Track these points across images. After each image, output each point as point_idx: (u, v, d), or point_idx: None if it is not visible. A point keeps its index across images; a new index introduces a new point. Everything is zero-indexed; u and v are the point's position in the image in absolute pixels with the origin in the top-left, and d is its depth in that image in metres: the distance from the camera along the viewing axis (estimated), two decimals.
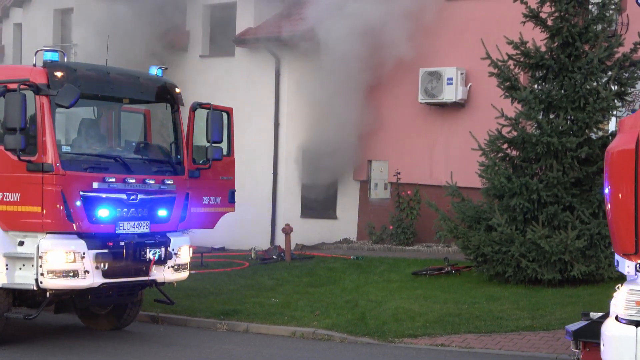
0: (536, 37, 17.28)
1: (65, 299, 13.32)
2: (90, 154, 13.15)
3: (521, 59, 17.34)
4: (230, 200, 15.34)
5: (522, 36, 17.20)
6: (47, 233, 12.34)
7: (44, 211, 12.29)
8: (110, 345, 13.51)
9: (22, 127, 12.05)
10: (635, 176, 8.05)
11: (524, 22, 17.35)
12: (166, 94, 14.13)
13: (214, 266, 20.62)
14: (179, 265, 13.76)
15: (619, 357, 8.03)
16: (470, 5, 21.92)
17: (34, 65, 12.66)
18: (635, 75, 17.13)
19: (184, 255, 13.89)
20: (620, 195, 8.18)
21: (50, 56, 12.55)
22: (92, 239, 12.62)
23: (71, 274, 12.34)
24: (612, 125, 18.19)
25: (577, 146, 16.61)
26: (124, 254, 12.78)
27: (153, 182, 13.35)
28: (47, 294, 12.58)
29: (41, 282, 12.25)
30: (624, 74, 17.16)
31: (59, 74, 12.42)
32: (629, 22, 19.39)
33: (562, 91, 16.96)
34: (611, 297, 8.61)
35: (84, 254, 12.41)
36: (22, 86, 12.12)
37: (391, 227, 22.45)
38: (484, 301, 15.60)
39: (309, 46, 23.17)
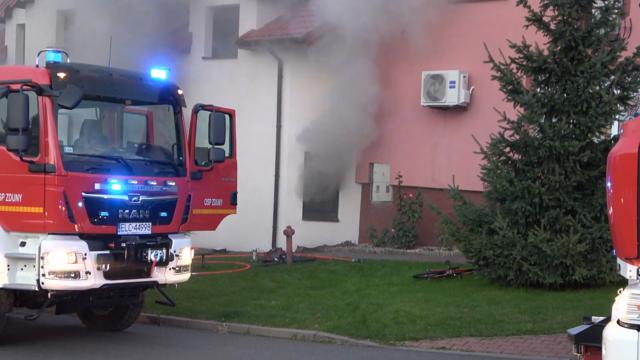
0: (539, 41, 17.27)
1: (67, 300, 13.30)
2: (93, 155, 13.16)
3: (524, 63, 17.32)
4: (232, 202, 15.34)
5: (524, 40, 17.20)
6: (49, 234, 12.34)
7: (46, 212, 12.30)
8: (111, 346, 13.51)
9: (25, 127, 12.05)
10: (637, 180, 8.04)
11: (527, 26, 17.34)
12: (169, 96, 14.13)
13: (215, 268, 20.62)
14: (180, 266, 13.76)
15: None
16: (473, 8, 21.94)
17: (37, 66, 12.68)
18: (638, 79, 17.12)
19: (186, 256, 13.88)
20: (622, 200, 8.17)
21: (53, 57, 12.57)
22: (94, 240, 12.61)
23: (72, 275, 12.34)
24: (614, 130, 18.19)
25: (580, 150, 16.60)
26: (125, 256, 12.78)
27: (155, 183, 13.35)
28: (49, 294, 12.58)
29: (42, 283, 12.25)
30: (627, 78, 17.14)
31: (61, 75, 12.43)
32: (632, 26, 19.40)
33: (565, 95, 16.95)
34: (613, 301, 8.60)
35: (85, 255, 12.41)
36: (24, 87, 12.13)
37: (393, 230, 22.45)
38: (485, 304, 15.59)
39: (312, 48, 23.19)
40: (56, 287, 12.35)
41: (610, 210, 8.41)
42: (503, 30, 19.12)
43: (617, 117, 17.31)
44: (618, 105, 17.05)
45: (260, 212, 24.38)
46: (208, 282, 18.47)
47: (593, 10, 17.34)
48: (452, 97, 21.59)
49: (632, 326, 8.12)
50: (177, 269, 13.68)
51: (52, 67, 12.49)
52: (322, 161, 23.17)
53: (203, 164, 14.54)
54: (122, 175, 12.96)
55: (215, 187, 14.92)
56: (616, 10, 17.37)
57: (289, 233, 21.36)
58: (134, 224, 13.05)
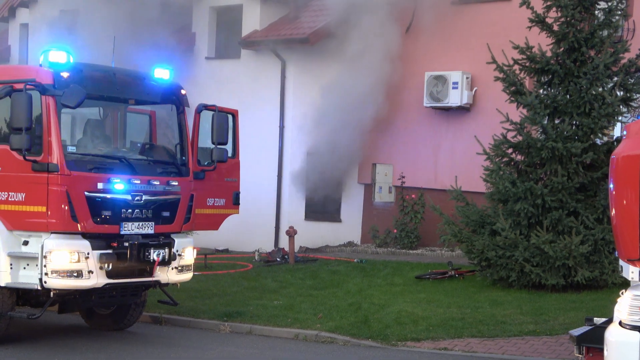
0: (542, 42, 17.28)
1: (69, 299, 13.32)
2: (96, 155, 13.17)
3: (527, 64, 17.33)
4: (235, 202, 15.36)
5: (528, 41, 17.20)
6: (52, 233, 12.36)
7: (49, 211, 12.31)
8: (113, 345, 13.52)
9: (28, 127, 12.06)
10: None
11: (530, 27, 17.34)
12: (172, 96, 14.14)
13: (217, 268, 20.63)
14: (182, 266, 13.77)
15: None
16: (476, 9, 21.94)
17: (40, 65, 12.67)
18: None
19: (188, 256, 13.90)
20: (625, 201, 8.17)
21: (56, 57, 12.57)
22: (97, 239, 12.63)
23: (75, 274, 12.35)
24: (617, 131, 18.18)
25: (582, 151, 16.60)
26: (128, 255, 12.79)
27: (158, 183, 13.36)
28: (51, 293, 12.60)
29: (45, 282, 12.26)
30: (630, 79, 17.15)
31: (65, 74, 12.45)
32: (635, 28, 19.41)
33: (568, 96, 16.95)
34: (615, 302, 8.60)
35: (88, 254, 12.42)
36: (28, 86, 12.13)
37: (395, 231, 22.46)
38: (487, 305, 15.59)
39: (315, 49, 23.20)
40: (59, 286, 12.37)
41: (613, 212, 8.42)
42: (506, 32, 19.13)
43: (619, 118, 17.29)
44: (621, 106, 17.04)
45: (263, 212, 24.39)
46: (210, 282, 18.48)
47: (596, 12, 17.34)
48: (455, 98, 21.59)
49: (634, 327, 8.12)
50: (179, 268, 13.70)
51: (56, 66, 12.50)
52: (325, 161, 23.17)
53: (206, 163, 14.56)
54: (125, 174, 12.97)
55: (218, 187, 14.94)
56: (619, 12, 17.36)
57: (291, 233, 21.36)
58: (136, 224, 13.06)
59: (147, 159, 13.90)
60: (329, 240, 23.97)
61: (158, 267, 13.30)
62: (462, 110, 21.96)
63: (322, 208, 24.46)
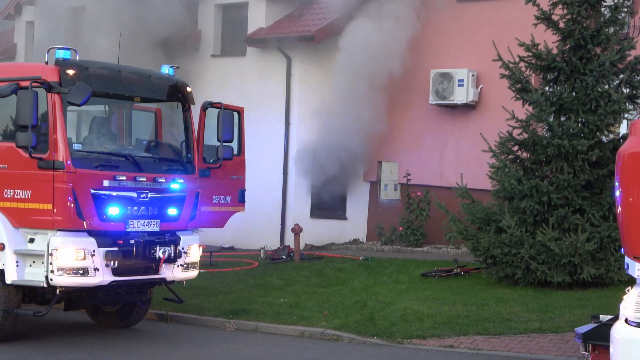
0: (548, 40, 17.25)
1: (75, 297, 13.33)
2: (101, 152, 13.19)
3: (532, 61, 17.31)
4: (240, 199, 15.36)
5: (533, 38, 17.18)
6: (58, 230, 12.37)
7: (55, 208, 12.32)
8: (119, 343, 13.54)
9: (34, 124, 12.08)
10: None
11: (536, 24, 17.32)
12: (177, 93, 14.15)
13: (223, 265, 20.64)
14: (188, 264, 13.79)
15: (628, 359, 8.02)
16: (482, 6, 21.91)
17: (46, 63, 12.70)
18: None
19: (194, 254, 13.91)
20: (631, 198, 8.15)
21: (62, 54, 12.59)
22: (102, 236, 12.65)
23: (81, 272, 12.37)
24: (623, 128, 18.16)
25: (588, 149, 16.57)
26: (133, 252, 12.81)
27: (163, 180, 13.37)
28: (57, 291, 12.61)
29: (51, 279, 12.28)
30: (636, 76, 17.10)
31: (70, 71, 12.46)
32: None
33: (574, 94, 16.93)
34: (621, 300, 8.58)
35: (94, 251, 12.44)
36: (34, 84, 12.15)
37: (401, 228, 22.46)
38: (493, 303, 15.58)
39: (320, 47, 23.19)
40: (65, 283, 12.38)
41: (619, 209, 8.40)
42: (512, 29, 19.09)
43: (626, 115, 17.27)
44: (627, 104, 17.02)
45: (269, 209, 24.39)
46: (216, 280, 18.50)
47: (602, 9, 17.31)
48: (461, 95, 21.58)
49: (639, 325, 8.11)
50: (185, 266, 13.71)
51: (61, 64, 12.51)
52: (331, 159, 23.16)
53: (211, 161, 14.56)
54: (131, 172, 12.99)
55: (223, 184, 14.94)
56: (625, 9, 17.33)
57: (296, 231, 21.37)
58: (142, 221, 13.08)
59: (153, 156, 13.91)
60: (335, 237, 23.97)
61: (164, 264, 13.31)
62: (468, 107, 21.94)
63: (328, 206, 24.46)
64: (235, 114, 14.84)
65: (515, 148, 17.41)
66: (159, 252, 13.07)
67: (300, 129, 24.27)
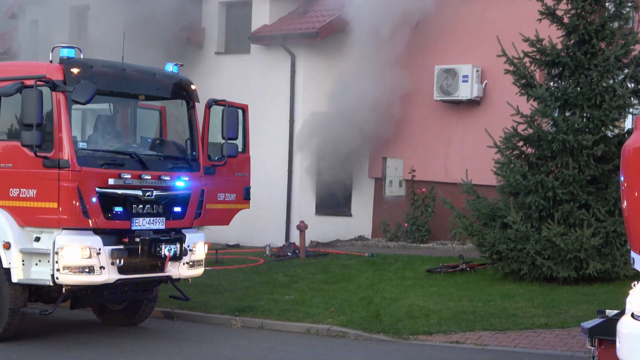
0: (552, 35, 17.23)
1: (81, 295, 13.34)
2: (106, 151, 13.20)
3: (537, 57, 17.29)
4: (245, 197, 15.36)
5: (538, 34, 17.16)
6: (63, 229, 12.38)
7: (60, 207, 12.33)
8: (126, 341, 13.56)
9: (39, 123, 12.07)
10: None
11: (540, 20, 17.30)
12: (182, 91, 14.16)
13: (228, 263, 20.65)
14: (194, 261, 13.79)
15: (635, 354, 8.00)
16: (487, 2, 21.88)
17: (51, 61, 12.69)
18: None
19: (199, 251, 13.92)
20: (636, 193, 8.14)
21: (66, 53, 12.58)
22: (108, 235, 12.66)
23: (87, 270, 12.38)
24: (628, 123, 18.13)
25: (593, 144, 16.56)
26: (139, 250, 12.80)
27: (168, 178, 13.38)
28: (63, 289, 12.62)
29: (57, 278, 12.29)
30: None
31: (75, 70, 12.46)
32: None
33: (578, 89, 16.91)
34: (627, 294, 8.58)
35: (99, 250, 12.45)
36: (38, 82, 12.16)
37: (406, 225, 22.45)
38: (498, 299, 15.58)
39: (325, 43, 23.18)
40: (70, 282, 12.39)
41: (624, 204, 8.38)
42: (516, 24, 19.07)
43: (630, 110, 17.24)
44: (632, 98, 17.00)
45: (274, 206, 24.40)
46: (221, 277, 18.50)
47: (606, 4, 17.29)
48: (465, 91, 21.56)
49: None
50: (190, 263, 13.72)
51: (66, 62, 12.51)
52: (335, 156, 23.17)
53: (216, 159, 14.57)
54: (136, 170, 12.99)
55: (228, 182, 14.94)
56: (630, 4, 17.31)
57: (302, 228, 21.38)
58: (147, 219, 13.08)
59: (158, 154, 13.91)
60: (340, 234, 23.97)
61: (169, 262, 13.32)
62: (473, 103, 21.92)
63: (333, 202, 24.46)
64: (240, 112, 14.83)
65: (520, 143, 17.40)
66: (165, 250, 13.07)
67: (304, 126, 24.23)
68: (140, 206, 13.01)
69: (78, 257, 12.30)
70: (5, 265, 12.55)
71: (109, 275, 12.59)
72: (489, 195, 18.05)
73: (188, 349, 13.06)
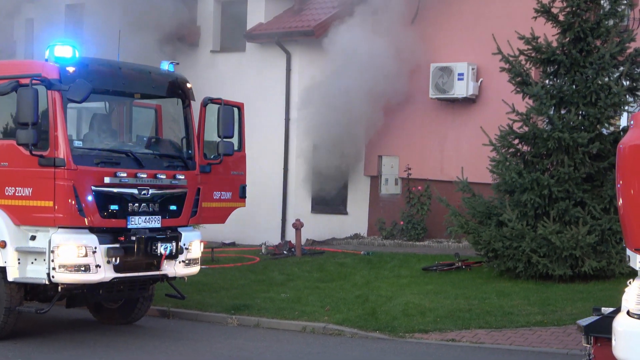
0: (548, 33, 17.25)
1: (77, 294, 13.33)
2: (102, 149, 13.17)
3: (532, 54, 17.31)
4: (241, 195, 15.36)
5: (533, 31, 17.17)
6: (59, 227, 12.36)
7: (56, 206, 12.32)
8: (122, 339, 13.55)
9: (34, 122, 12.05)
10: None
11: (536, 18, 17.32)
12: (177, 89, 14.15)
13: (224, 261, 20.65)
14: (190, 260, 13.79)
15: (630, 352, 8.01)
16: (482, 0, 21.88)
17: (46, 60, 12.68)
18: None
19: (195, 250, 13.91)
20: (632, 191, 8.15)
21: (62, 51, 12.58)
22: (104, 233, 12.64)
23: (83, 269, 12.37)
24: (623, 121, 18.17)
25: (589, 141, 16.58)
26: (135, 249, 12.79)
27: (164, 177, 13.37)
28: (59, 288, 12.62)
29: (53, 277, 12.28)
30: (636, 69, 17.12)
31: (70, 69, 12.45)
32: None
33: (574, 86, 16.93)
34: (622, 292, 8.58)
35: (95, 248, 12.44)
36: (34, 81, 12.13)
37: (402, 223, 22.46)
38: (494, 296, 15.59)
39: (320, 41, 23.19)
40: (66, 280, 12.39)
41: (620, 202, 8.39)
42: (512, 22, 19.08)
43: (626, 108, 17.28)
44: (627, 96, 17.03)
45: (269, 205, 24.41)
46: (217, 275, 18.51)
47: (602, 1, 17.30)
48: (461, 89, 21.58)
49: None
50: (186, 262, 13.71)
51: (61, 61, 12.50)
52: (331, 154, 23.17)
53: (212, 157, 14.56)
54: (132, 168, 12.98)
55: (224, 180, 14.94)
56: (625, 1, 17.32)
57: (298, 226, 21.38)
58: (143, 218, 13.07)
59: (154, 153, 13.90)
60: (336, 232, 23.98)
61: (165, 260, 13.31)
62: (468, 101, 21.93)
63: (329, 200, 24.47)
64: (236, 110, 14.83)
65: (516, 141, 17.42)
66: (161, 249, 13.06)
67: (300, 124, 24.25)
68: (136, 205, 13.00)
69: (74, 256, 12.29)
70: (0, 264, 12.54)
71: (105, 273, 12.58)
72: (484, 193, 18.07)
73: (184, 348, 13.05)
